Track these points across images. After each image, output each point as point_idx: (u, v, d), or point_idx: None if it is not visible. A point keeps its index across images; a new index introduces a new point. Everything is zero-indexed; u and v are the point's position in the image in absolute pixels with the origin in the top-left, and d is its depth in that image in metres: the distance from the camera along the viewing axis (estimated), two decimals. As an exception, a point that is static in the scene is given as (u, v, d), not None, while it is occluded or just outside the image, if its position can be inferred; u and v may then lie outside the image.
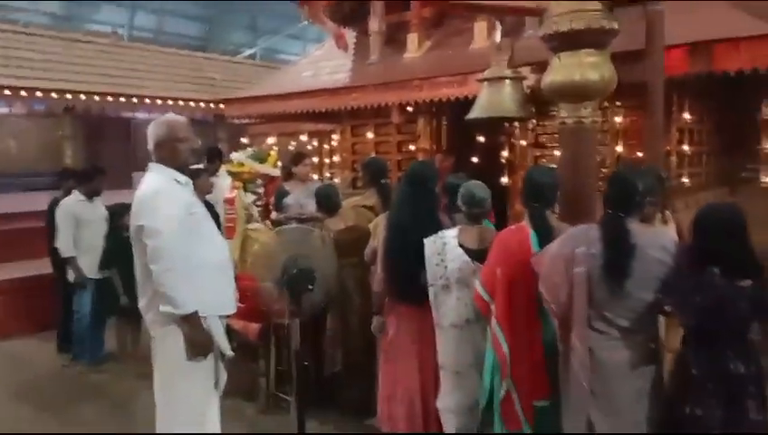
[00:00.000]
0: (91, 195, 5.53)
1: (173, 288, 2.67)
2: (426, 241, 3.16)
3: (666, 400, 2.59)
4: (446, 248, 3.12)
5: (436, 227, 3.27)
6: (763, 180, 6.46)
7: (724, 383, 2.38)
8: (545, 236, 2.74)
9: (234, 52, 21.60)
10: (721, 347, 2.42)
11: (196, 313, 2.74)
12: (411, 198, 3.40)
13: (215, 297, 2.89)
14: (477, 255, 3.07)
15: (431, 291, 3.16)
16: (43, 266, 6.27)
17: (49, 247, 5.76)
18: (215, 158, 5.24)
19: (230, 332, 3.26)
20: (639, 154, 5.20)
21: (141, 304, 2.89)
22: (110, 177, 6.01)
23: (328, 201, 4.31)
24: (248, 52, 22.22)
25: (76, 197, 5.52)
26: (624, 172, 2.78)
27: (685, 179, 5.45)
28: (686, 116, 5.31)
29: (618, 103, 5.26)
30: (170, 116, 3.03)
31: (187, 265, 2.71)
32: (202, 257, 2.82)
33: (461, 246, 3.11)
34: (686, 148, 5.38)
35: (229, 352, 2.97)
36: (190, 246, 2.75)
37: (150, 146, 2.94)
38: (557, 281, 2.55)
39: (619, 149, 5.32)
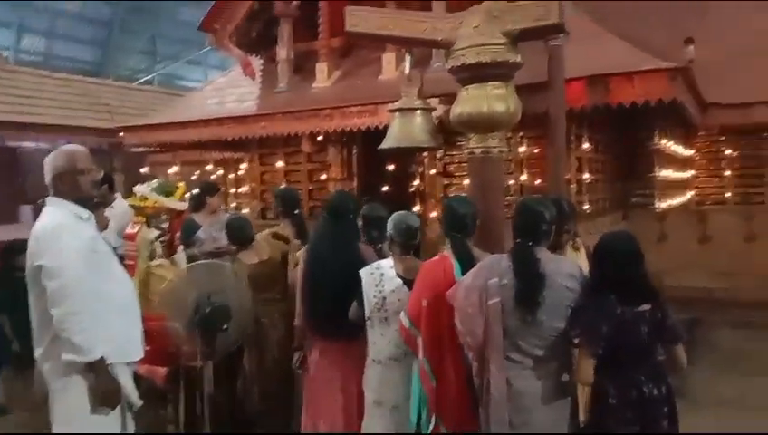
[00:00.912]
0: None
1: (77, 333, 2.44)
2: (362, 273, 3.09)
3: (586, 431, 2.67)
4: (383, 279, 3.06)
5: (356, 258, 3.22)
6: (655, 205, 6.95)
7: (640, 408, 2.47)
8: (468, 265, 2.76)
9: (130, 77, 20.77)
10: (633, 373, 2.51)
11: (102, 359, 2.52)
12: (331, 230, 3.34)
13: (122, 342, 2.67)
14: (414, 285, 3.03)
15: (368, 324, 3.08)
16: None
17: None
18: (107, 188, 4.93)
19: (136, 378, 3.04)
20: (542, 182, 5.45)
21: (38, 353, 2.62)
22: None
23: (240, 233, 4.14)
24: (146, 77, 21.42)
25: None
26: (531, 201, 2.84)
27: (585, 206, 5.74)
28: (585, 146, 5.61)
29: (521, 134, 5.48)
30: (70, 146, 2.81)
31: (93, 308, 2.49)
32: (108, 299, 2.61)
33: (399, 276, 3.06)
34: (585, 176, 5.67)
35: (138, 402, 2.76)
36: (94, 287, 2.54)
37: (48, 178, 2.70)
38: (472, 313, 2.56)
39: (523, 177, 5.54)
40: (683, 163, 8.28)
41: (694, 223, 7.78)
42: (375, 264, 3.12)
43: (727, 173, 8.16)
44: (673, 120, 6.83)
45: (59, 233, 2.54)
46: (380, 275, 3.06)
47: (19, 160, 11.19)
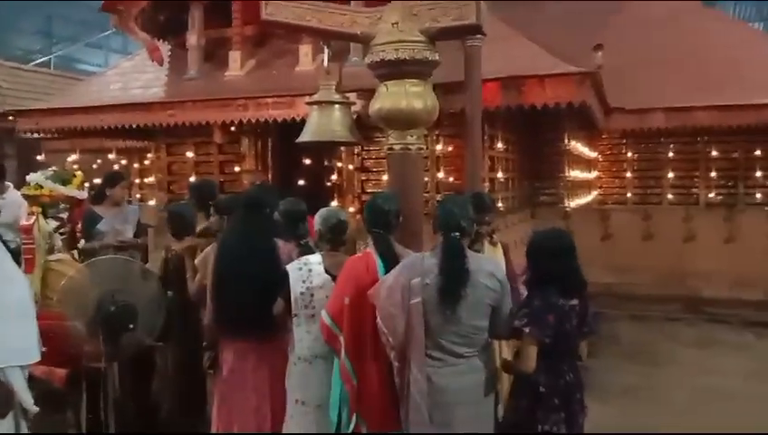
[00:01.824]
0: None
1: None
2: (289, 268, 3.00)
3: (512, 422, 2.73)
4: (311, 274, 2.97)
5: (271, 254, 3.13)
6: (566, 205, 7.25)
7: (564, 395, 2.63)
8: (391, 262, 2.73)
9: (24, 59, 19.32)
10: (561, 363, 2.67)
11: (-10, 365, 2.30)
12: (244, 225, 3.22)
13: (14, 345, 2.45)
14: None
15: (295, 321, 2.97)
16: None
17: None
18: None
19: (32, 380, 2.80)
20: (458, 180, 5.54)
21: None
22: None
23: (182, 223, 3.93)
24: (41, 59, 20.02)
25: None
26: (452, 198, 2.88)
27: (498, 204, 5.89)
28: (498, 145, 5.75)
29: (437, 132, 5.54)
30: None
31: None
32: (-2, 300, 2.39)
33: (327, 272, 2.99)
34: (498, 175, 5.82)
35: (33, 408, 2.54)
36: (-17, 287, 2.31)
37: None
38: (394, 312, 2.54)
39: (440, 175, 5.60)
40: (588, 164, 8.72)
41: (596, 221, 8.20)
42: (303, 259, 3.05)
43: (628, 175, 8.68)
44: (580, 122, 7.15)
45: None
46: (308, 271, 2.98)
47: None
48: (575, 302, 2.66)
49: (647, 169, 8.63)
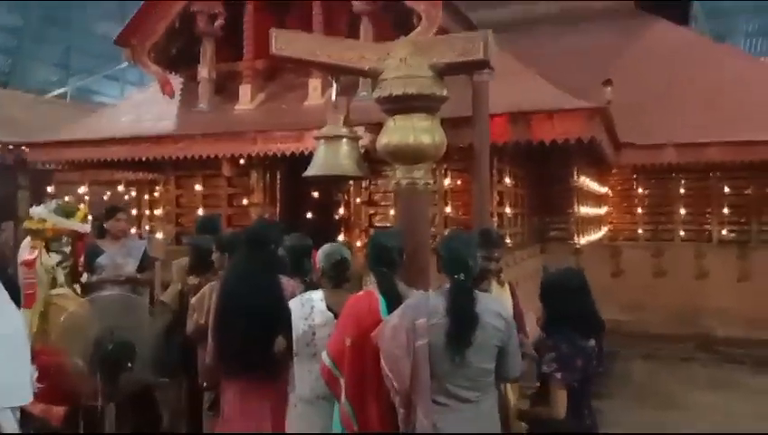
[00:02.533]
0: None
1: None
2: (291, 304, 2.92)
3: None
4: (313, 312, 2.90)
5: (274, 291, 3.06)
6: (576, 242, 7.15)
7: None
8: (394, 301, 2.65)
9: (41, 90, 19.67)
10: (583, 405, 2.66)
11: (-20, 407, 2.23)
12: (246, 261, 3.16)
13: (6, 385, 2.38)
14: None
15: (296, 360, 2.89)
16: None
17: None
18: None
19: (26, 418, 2.74)
20: (465, 215, 5.49)
21: None
22: None
23: (200, 257, 3.89)
24: (58, 91, 20.38)
25: None
26: (459, 237, 2.78)
27: (506, 239, 5.82)
28: (507, 180, 5.70)
29: (445, 166, 5.50)
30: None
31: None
32: (-11, 337, 2.33)
33: (329, 309, 2.91)
34: (507, 210, 5.75)
35: (22, 451, 2.47)
36: (-25, 325, 2.26)
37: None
38: (398, 355, 2.44)
39: (448, 209, 5.55)
40: (598, 200, 8.63)
41: (607, 257, 8.08)
42: (305, 295, 2.97)
43: (639, 211, 8.57)
44: (590, 158, 7.09)
45: None
46: (311, 308, 2.90)
47: None
48: (593, 342, 2.65)
49: (658, 205, 8.52)
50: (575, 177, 7.32)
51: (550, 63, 6.48)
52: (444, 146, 4.10)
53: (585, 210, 7.80)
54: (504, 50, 5.35)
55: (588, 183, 7.77)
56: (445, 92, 3.99)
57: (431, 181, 4.24)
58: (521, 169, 6.37)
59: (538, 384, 2.81)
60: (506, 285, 3.50)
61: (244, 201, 6.63)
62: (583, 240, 7.66)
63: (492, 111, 4.40)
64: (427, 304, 2.50)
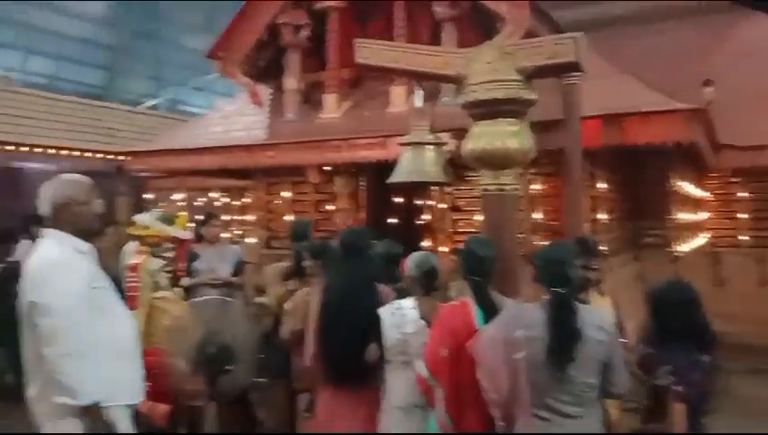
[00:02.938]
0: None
1: (70, 375, 2.31)
2: (382, 312, 2.95)
3: None
4: (405, 320, 2.91)
5: (375, 298, 3.09)
6: (673, 249, 6.82)
7: None
8: (489, 311, 2.62)
9: (135, 101, 20.82)
10: (697, 421, 2.58)
11: (96, 403, 2.38)
12: (347, 268, 3.20)
13: (120, 384, 2.53)
14: None
15: (388, 368, 2.92)
16: None
17: None
18: None
19: (135, 415, 2.89)
20: (555, 221, 5.36)
21: (31, 392, 2.48)
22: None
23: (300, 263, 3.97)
24: (151, 102, 21.51)
25: None
26: (557, 248, 2.69)
27: (600, 246, 5.63)
28: (600, 185, 5.52)
29: (533, 171, 5.39)
30: (71, 175, 2.68)
31: (88, 348, 2.36)
32: (106, 338, 2.47)
33: (422, 317, 2.92)
34: (601, 216, 5.57)
35: (136, 448, 2.61)
36: (92, 326, 2.40)
37: (46, 209, 2.56)
38: (496, 367, 2.41)
39: (536, 215, 5.43)
40: (696, 205, 8.18)
41: (707, 265, 7.64)
42: (396, 303, 2.99)
43: (741, 216, 8.05)
44: (687, 161, 6.76)
45: (55, 269, 2.41)
46: (402, 316, 2.91)
47: (23, 182, 11.10)
48: (706, 358, 2.56)
49: (762, 210, 7.95)
50: (671, 181, 6.98)
51: (634, 64, 6.21)
52: (532, 151, 4.01)
53: (683, 216, 7.40)
54: (593, 50, 5.20)
55: (685, 187, 7.39)
56: (533, 96, 3.91)
57: (519, 187, 4.17)
58: (614, 173, 6.15)
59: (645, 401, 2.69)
60: (607, 296, 3.38)
61: (330, 207, 6.76)
62: (681, 247, 7.28)
63: (583, 114, 4.28)
64: (524, 315, 2.45)
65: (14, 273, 4.77)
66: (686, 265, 6.77)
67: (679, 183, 7.15)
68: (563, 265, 2.47)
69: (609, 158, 5.59)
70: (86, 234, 2.60)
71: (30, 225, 5.34)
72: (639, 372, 2.71)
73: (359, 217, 6.62)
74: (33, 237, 5.04)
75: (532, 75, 3.92)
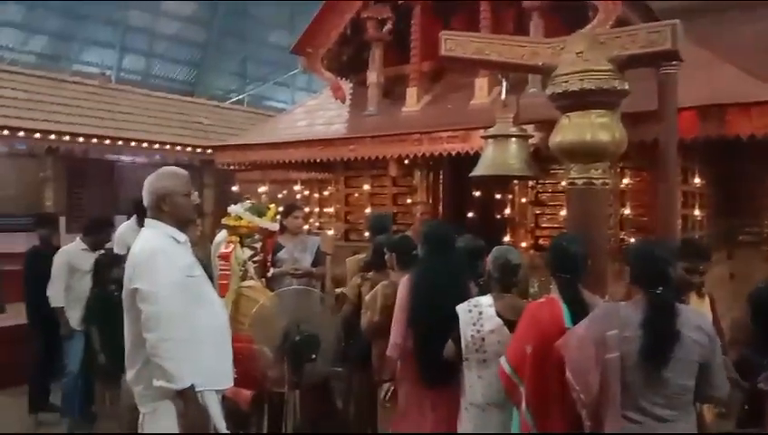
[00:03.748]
0: (95, 246, 5.25)
1: (169, 359, 2.42)
2: (459, 309, 2.92)
3: None
4: (482, 317, 2.88)
5: (466, 294, 3.06)
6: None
7: None
8: (579, 310, 2.54)
9: (222, 97, 21.60)
10: None
11: (192, 387, 2.48)
12: (437, 263, 3.19)
13: (213, 369, 2.63)
14: (515, 326, 2.83)
15: (465, 365, 2.90)
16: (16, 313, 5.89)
17: (27, 297, 5.46)
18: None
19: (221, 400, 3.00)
20: (644, 217, 5.13)
21: (130, 374, 2.62)
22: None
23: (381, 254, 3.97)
24: (236, 98, 22.22)
25: (78, 245, 5.25)
26: (655, 246, 2.56)
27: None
28: (695, 180, 5.24)
29: (621, 164, 5.18)
30: (172, 168, 2.81)
31: (185, 334, 2.47)
32: (201, 325, 2.58)
33: (498, 315, 2.88)
34: (695, 212, 5.29)
35: (225, 432, 2.70)
36: (188, 313, 2.52)
37: (148, 199, 2.69)
38: (586, 367, 2.32)
39: (625, 211, 5.21)
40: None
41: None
42: (473, 300, 2.95)
43: None
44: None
45: (156, 258, 2.52)
46: (479, 314, 2.88)
47: (116, 173, 11.76)
48: None
49: None
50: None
51: (736, 52, 5.83)
52: (624, 143, 3.87)
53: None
54: (689, 38, 4.92)
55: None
56: (626, 87, 3.78)
57: (609, 181, 4.03)
58: (707, 167, 5.82)
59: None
60: (706, 298, 3.21)
61: (408, 200, 6.75)
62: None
63: (679, 105, 4.06)
64: (617, 315, 2.34)
65: (111, 260, 5.09)
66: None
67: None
68: (661, 265, 2.35)
69: (704, 151, 5.28)
70: (184, 224, 2.72)
71: (132, 213, 5.63)
72: (736, 375, 2.55)
73: (433, 210, 6.58)
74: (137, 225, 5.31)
75: (625, 65, 3.78)
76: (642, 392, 2.29)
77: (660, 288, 2.30)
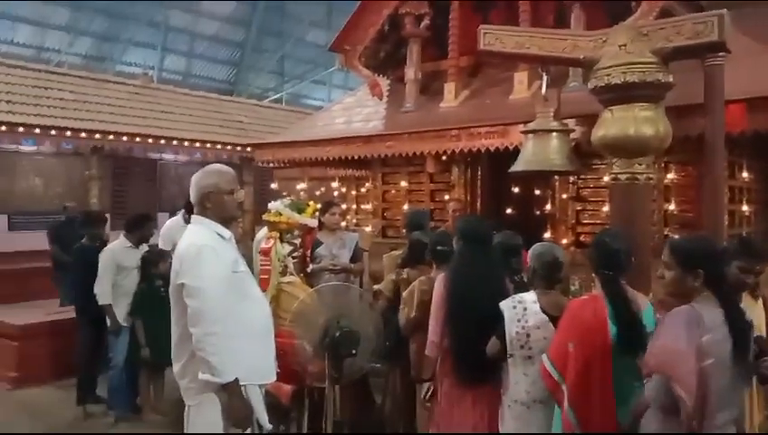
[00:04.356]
0: (139, 242, 5.41)
1: (214, 354, 2.47)
2: (503, 305, 2.91)
3: None
4: (527, 314, 2.86)
5: (504, 290, 3.04)
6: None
7: None
8: (622, 307, 2.50)
9: (260, 96, 21.89)
10: None
11: (236, 381, 2.53)
12: (475, 258, 3.17)
13: (256, 364, 2.68)
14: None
15: (510, 362, 2.88)
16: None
17: (75, 293, 5.64)
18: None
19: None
20: (689, 213, 5.00)
21: (176, 368, 2.67)
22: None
23: (419, 250, 3.98)
24: (274, 96, 22.49)
25: (123, 243, 5.39)
26: (717, 245, 2.51)
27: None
28: (743, 175, 5.08)
29: (665, 159, 5.06)
30: (218, 166, 2.85)
31: (230, 329, 2.52)
32: (245, 320, 2.63)
33: (543, 311, 2.86)
34: (743, 208, 5.13)
35: (268, 425, 2.74)
36: (233, 308, 2.57)
37: (195, 196, 2.74)
38: (688, 377, 2.16)
39: (669, 206, 5.09)
40: None
41: None
42: (517, 297, 2.93)
43: None
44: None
45: (202, 254, 2.57)
46: (523, 310, 2.85)
47: (158, 171, 12.03)
48: None
49: None
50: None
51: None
52: (669, 137, 3.80)
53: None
54: (737, 28, 4.77)
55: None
56: (670, 79, 3.70)
57: (653, 175, 3.96)
58: (755, 161, 5.64)
59: None
60: (760, 300, 3.11)
61: (446, 197, 6.72)
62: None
63: (726, 98, 3.95)
64: (706, 318, 2.19)
65: (157, 256, 5.22)
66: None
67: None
68: (720, 262, 2.31)
69: (752, 144, 5.12)
70: (228, 221, 2.77)
71: (182, 209, 5.75)
72: None
73: (470, 206, 6.53)
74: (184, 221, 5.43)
75: (669, 57, 3.70)
76: (737, 392, 2.25)
77: (725, 285, 2.25)
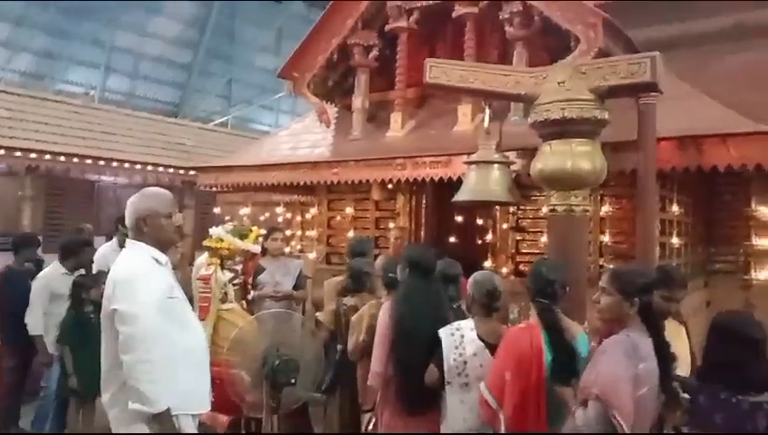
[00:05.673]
0: (75, 269, 5.08)
1: (146, 382, 2.38)
2: (442, 333, 2.93)
3: None
4: (464, 341, 2.89)
5: (447, 319, 3.05)
6: (749, 276, 6.48)
7: None
8: (557, 335, 2.56)
9: (206, 119, 21.54)
10: None
11: (168, 411, 2.43)
12: (421, 288, 3.19)
13: (190, 393, 2.59)
14: (496, 350, 2.84)
15: (448, 390, 2.89)
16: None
17: (2, 320, 5.33)
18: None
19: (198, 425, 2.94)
20: (623, 245, 5.18)
21: (105, 398, 2.57)
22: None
23: (359, 278, 4.03)
24: (220, 119, 22.21)
25: (57, 269, 5.10)
26: (641, 273, 2.58)
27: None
28: (674, 208, 5.31)
29: (601, 192, 5.24)
30: (155, 189, 2.79)
31: (163, 358, 2.43)
32: (179, 348, 2.54)
33: (480, 338, 2.88)
34: (673, 240, 5.35)
35: (201, 456, 2.66)
36: (167, 335, 2.49)
37: (130, 220, 2.66)
38: (628, 406, 2.23)
39: (605, 238, 5.26)
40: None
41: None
42: (455, 324, 2.96)
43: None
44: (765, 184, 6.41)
45: (137, 279, 2.50)
46: (461, 337, 2.88)
47: (96, 193, 11.63)
48: (765, 397, 2.25)
49: None
50: (752, 206, 6.61)
51: (717, 84, 5.96)
52: (604, 171, 3.95)
53: (761, 242, 6.97)
54: (668, 70, 5.02)
55: (765, 212, 6.97)
56: (606, 116, 3.86)
57: (589, 208, 4.09)
58: (685, 196, 5.91)
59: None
60: (683, 327, 3.24)
61: (391, 224, 6.76)
62: (755, 274, 6.87)
63: (658, 135, 4.15)
64: (639, 347, 2.27)
65: (89, 281, 5.00)
66: (760, 295, 6.40)
67: (759, 208, 6.78)
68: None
69: (682, 180, 5.38)
70: (165, 245, 2.69)
71: (112, 233, 5.55)
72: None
73: (415, 235, 6.59)
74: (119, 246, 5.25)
75: (605, 95, 3.86)
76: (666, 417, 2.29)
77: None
